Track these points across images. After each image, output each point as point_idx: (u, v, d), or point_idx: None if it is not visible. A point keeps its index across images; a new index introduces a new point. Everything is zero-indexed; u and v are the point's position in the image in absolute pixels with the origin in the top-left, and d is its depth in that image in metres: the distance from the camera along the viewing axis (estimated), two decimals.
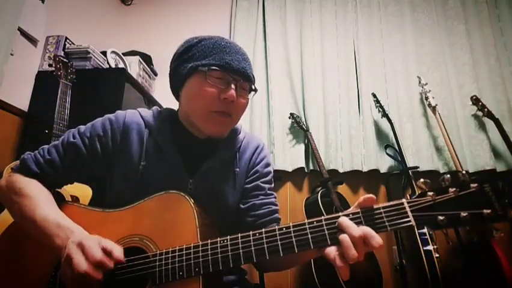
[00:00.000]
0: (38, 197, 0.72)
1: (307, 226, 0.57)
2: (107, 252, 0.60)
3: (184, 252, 0.62)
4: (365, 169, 2.04)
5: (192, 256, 0.61)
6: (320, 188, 1.90)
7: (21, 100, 1.70)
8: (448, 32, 2.26)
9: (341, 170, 2.08)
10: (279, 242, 0.57)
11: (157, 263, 0.62)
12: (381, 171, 2.05)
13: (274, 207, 0.85)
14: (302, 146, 2.13)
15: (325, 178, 1.87)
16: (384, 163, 2.07)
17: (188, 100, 0.78)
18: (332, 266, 0.54)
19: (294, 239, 0.57)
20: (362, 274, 1.69)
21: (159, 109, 0.88)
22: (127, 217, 0.71)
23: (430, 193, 0.52)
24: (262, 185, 0.86)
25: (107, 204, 0.77)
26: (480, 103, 1.98)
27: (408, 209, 0.51)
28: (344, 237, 0.53)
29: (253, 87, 0.80)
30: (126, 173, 0.78)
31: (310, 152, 2.10)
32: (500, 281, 1.55)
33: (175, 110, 0.88)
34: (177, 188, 0.72)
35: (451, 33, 2.25)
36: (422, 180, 0.54)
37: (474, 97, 2.00)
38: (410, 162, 1.96)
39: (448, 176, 0.53)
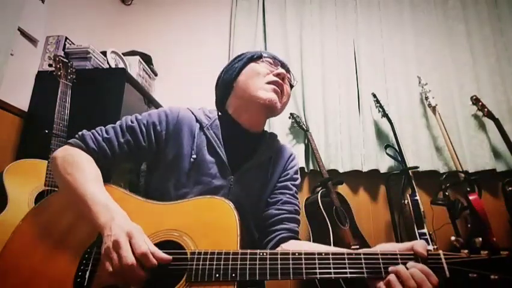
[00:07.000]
0: (90, 173, 0.76)
1: (362, 256, 0.61)
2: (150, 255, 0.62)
3: (223, 256, 0.64)
4: (365, 169, 2.04)
5: (230, 262, 0.63)
6: (320, 188, 1.90)
7: (21, 100, 1.70)
8: (448, 32, 2.26)
9: (341, 170, 2.08)
10: (331, 266, 0.61)
11: (195, 262, 0.64)
12: (381, 171, 2.05)
13: (297, 208, 0.93)
14: (302, 146, 2.13)
15: (325, 178, 1.87)
16: (384, 163, 2.06)
17: (246, 80, 0.90)
18: None
19: (348, 266, 0.61)
20: None
21: (208, 109, 0.98)
22: (170, 211, 0.74)
23: (465, 251, 0.60)
24: (291, 186, 0.95)
25: (149, 194, 0.80)
26: (480, 103, 1.98)
27: (444, 261, 0.58)
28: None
29: (292, 81, 0.97)
30: (175, 165, 0.84)
31: (311, 152, 2.09)
32: None
33: (225, 110, 0.97)
34: (219, 181, 0.83)
35: (451, 33, 2.25)
36: (454, 237, 0.64)
37: (474, 97, 2.01)
38: (410, 162, 1.96)
39: (480, 239, 0.61)
